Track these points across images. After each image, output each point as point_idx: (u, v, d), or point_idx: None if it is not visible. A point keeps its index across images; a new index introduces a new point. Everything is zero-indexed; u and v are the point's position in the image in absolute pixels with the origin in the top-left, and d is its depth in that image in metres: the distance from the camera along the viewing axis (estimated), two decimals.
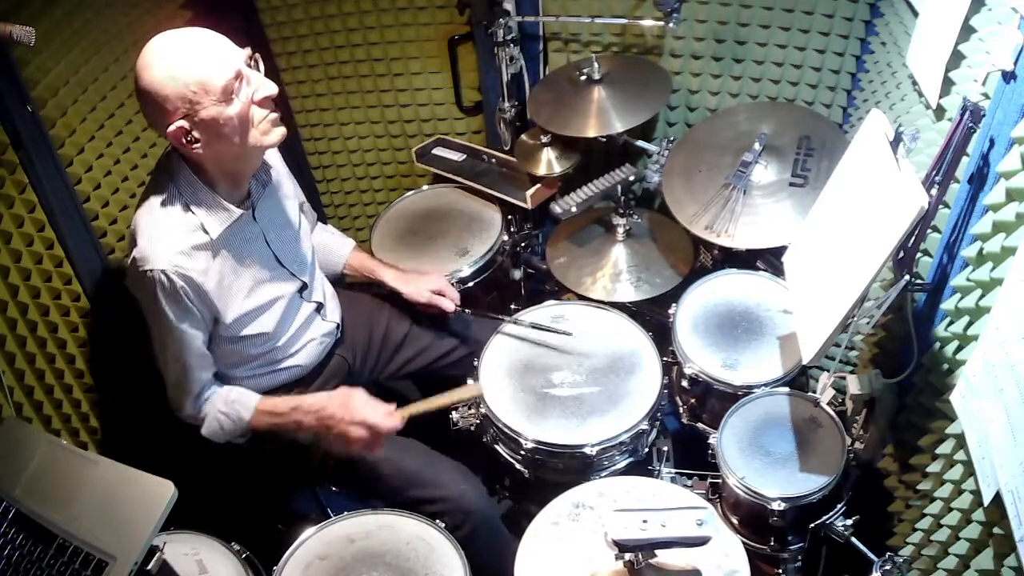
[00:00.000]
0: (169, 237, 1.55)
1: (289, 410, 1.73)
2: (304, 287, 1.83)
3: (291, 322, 1.80)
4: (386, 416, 1.67)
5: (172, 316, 1.58)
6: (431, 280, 2.06)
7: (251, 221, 1.69)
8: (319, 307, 1.89)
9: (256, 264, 1.70)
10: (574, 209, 2.24)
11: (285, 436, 1.76)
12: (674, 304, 2.02)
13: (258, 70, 1.53)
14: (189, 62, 1.43)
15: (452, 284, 2.27)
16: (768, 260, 2.08)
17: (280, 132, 1.57)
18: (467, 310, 2.10)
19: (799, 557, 1.73)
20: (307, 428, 1.72)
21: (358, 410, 1.67)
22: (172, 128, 1.46)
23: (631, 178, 2.29)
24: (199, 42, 1.47)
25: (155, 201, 1.57)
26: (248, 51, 1.52)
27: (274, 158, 1.79)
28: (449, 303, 2.04)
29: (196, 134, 1.48)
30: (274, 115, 1.56)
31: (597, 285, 2.27)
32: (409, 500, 1.75)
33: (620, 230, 2.36)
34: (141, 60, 1.45)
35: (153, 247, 1.54)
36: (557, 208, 2.25)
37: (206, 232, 1.58)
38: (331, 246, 2.09)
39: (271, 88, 1.53)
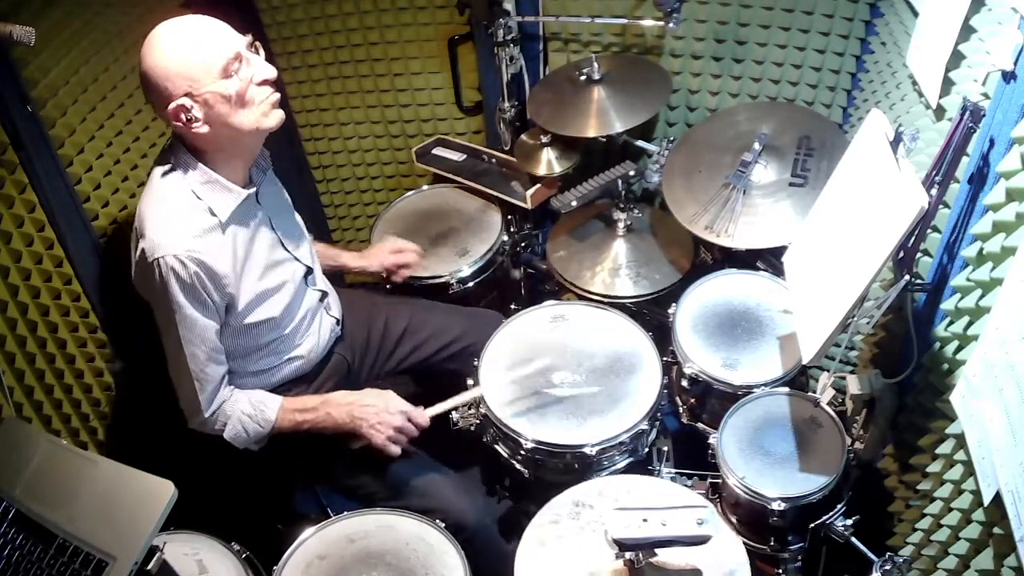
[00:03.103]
0: (179, 222, 1.55)
1: (319, 404, 1.76)
2: (309, 272, 1.85)
3: (298, 308, 1.81)
4: (419, 412, 1.77)
5: (186, 305, 1.58)
6: (385, 244, 2.16)
7: (256, 205, 1.70)
8: (323, 295, 1.91)
9: (264, 248, 1.71)
10: (574, 203, 2.24)
11: (305, 435, 1.77)
12: (674, 304, 2.02)
13: (258, 55, 1.57)
14: (191, 42, 1.48)
15: (452, 283, 2.29)
16: (768, 260, 2.08)
17: (279, 115, 1.60)
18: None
19: (799, 557, 1.73)
20: (337, 422, 1.74)
21: (398, 402, 1.76)
22: (173, 106, 1.49)
23: (631, 173, 2.29)
24: (200, 25, 1.51)
25: (159, 189, 1.58)
26: (249, 37, 1.56)
27: None
28: (412, 255, 2.15)
29: (196, 112, 1.50)
30: (274, 96, 1.58)
31: (596, 279, 2.27)
32: (404, 510, 1.75)
33: (620, 225, 2.36)
34: (145, 46, 1.48)
35: (163, 234, 1.54)
36: (557, 202, 2.25)
37: (214, 215, 1.59)
38: None
39: (270, 71, 1.56)
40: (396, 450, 1.75)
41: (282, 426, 1.75)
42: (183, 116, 1.50)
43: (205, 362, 1.65)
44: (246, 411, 1.72)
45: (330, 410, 1.75)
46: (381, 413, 1.73)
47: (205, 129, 1.53)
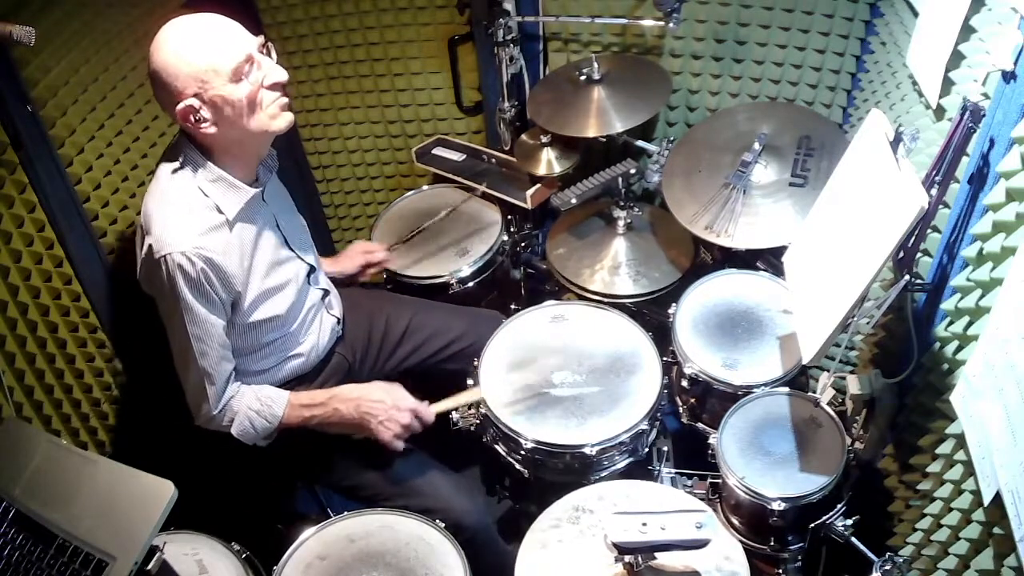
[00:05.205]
0: (186, 219, 1.55)
1: (327, 399, 1.75)
2: (312, 270, 1.85)
3: (301, 306, 1.82)
4: (425, 408, 1.77)
5: (194, 302, 1.57)
6: (355, 246, 2.20)
7: (262, 203, 1.71)
8: (325, 294, 1.91)
9: (269, 246, 1.72)
10: (574, 201, 2.24)
11: (312, 431, 1.77)
12: (674, 304, 2.02)
13: (270, 57, 1.57)
14: (201, 43, 1.47)
15: (452, 283, 2.29)
16: (768, 260, 2.08)
17: (288, 117, 1.60)
18: (395, 245, 2.33)
19: (799, 557, 1.73)
20: (345, 417, 1.73)
21: (406, 399, 1.75)
22: (181, 106, 1.49)
23: (631, 171, 2.29)
24: (212, 25, 1.50)
25: (166, 186, 1.58)
26: (261, 38, 1.56)
27: None
28: (381, 252, 2.21)
29: (204, 113, 1.50)
30: (284, 100, 1.59)
31: (596, 278, 2.27)
32: (404, 510, 1.75)
33: (620, 223, 2.36)
34: (154, 43, 1.48)
35: (170, 231, 1.54)
36: (556, 200, 2.25)
37: (221, 212, 1.59)
38: None
39: (281, 74, 1.56)
40: (400, 445, 1.75)
41: (289, 421, 1.74)
42: (191, 117, 1.50)
43: (214, 359, 1.65)
44: (253, 407, 1.72)
45: (338, 405, 1.74)
46: (390, 410, 1.73)
47: (213, 130, 1.53)
